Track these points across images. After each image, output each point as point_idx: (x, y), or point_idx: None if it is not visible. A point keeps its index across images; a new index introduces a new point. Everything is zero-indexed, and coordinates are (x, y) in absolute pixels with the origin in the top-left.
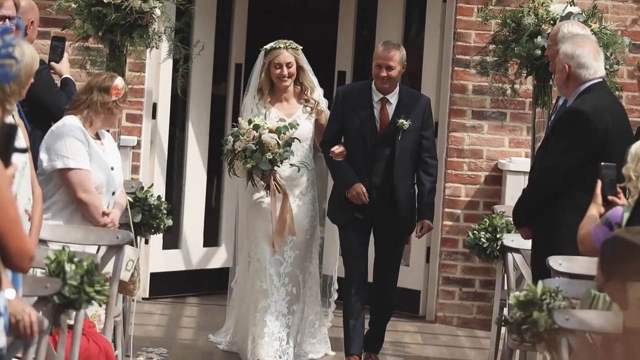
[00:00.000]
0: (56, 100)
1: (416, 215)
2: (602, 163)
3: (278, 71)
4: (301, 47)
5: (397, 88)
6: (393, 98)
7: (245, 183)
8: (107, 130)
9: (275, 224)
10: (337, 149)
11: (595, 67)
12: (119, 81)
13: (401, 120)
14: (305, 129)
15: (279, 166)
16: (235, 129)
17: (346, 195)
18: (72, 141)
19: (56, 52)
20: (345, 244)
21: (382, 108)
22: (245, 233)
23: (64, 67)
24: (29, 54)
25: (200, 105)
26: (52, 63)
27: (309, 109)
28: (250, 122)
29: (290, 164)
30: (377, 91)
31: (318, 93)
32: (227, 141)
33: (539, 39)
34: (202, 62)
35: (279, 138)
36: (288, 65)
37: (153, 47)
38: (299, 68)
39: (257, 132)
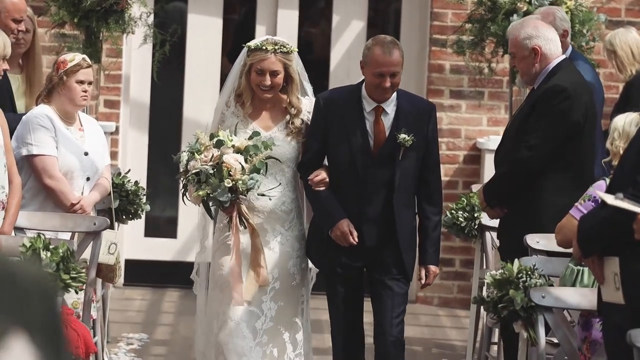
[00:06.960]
0: None
1: (416, 256)
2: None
3: (259, 79)
4: (296, 50)
5: (395, 93)
6: (390, 107)
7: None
8: (96, 118)
9: (234, 268)
10: (318, 176)
11: (557, 40)
12: (67, 55)
13: (403, 135)
14: (286, 148)
15: (245, 196)
16: (195, 143)
17: (329, 234)
18: (36, 128)
19: None
20: (331, 302)
21: (377, 120)
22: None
23: None
24: None
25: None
26: None
27: (290, 128)
28: (212, 136)
29: (259, 194)
30: (370, 98)
31: (305, 114)
32: (180, 158)
33: (515, 17)
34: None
35: (245, 161)
36: (273, 73)
37: (129, 32)
38: (288, 77)
39: (218, 150)
